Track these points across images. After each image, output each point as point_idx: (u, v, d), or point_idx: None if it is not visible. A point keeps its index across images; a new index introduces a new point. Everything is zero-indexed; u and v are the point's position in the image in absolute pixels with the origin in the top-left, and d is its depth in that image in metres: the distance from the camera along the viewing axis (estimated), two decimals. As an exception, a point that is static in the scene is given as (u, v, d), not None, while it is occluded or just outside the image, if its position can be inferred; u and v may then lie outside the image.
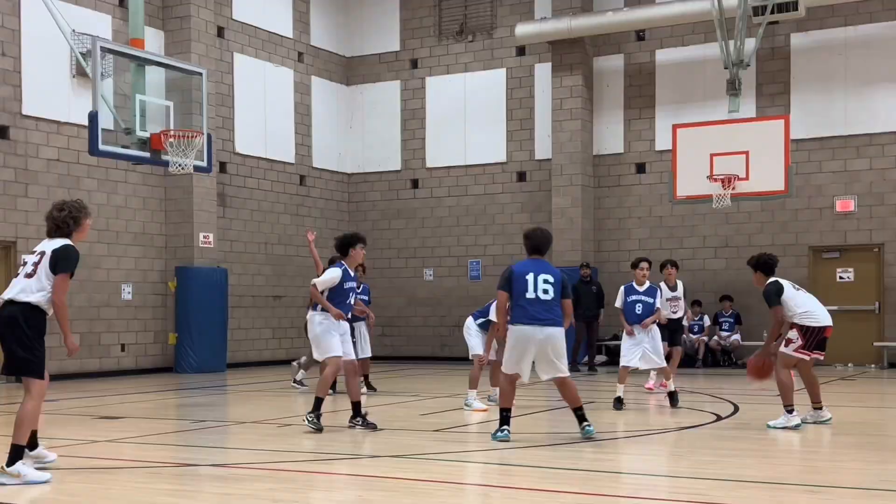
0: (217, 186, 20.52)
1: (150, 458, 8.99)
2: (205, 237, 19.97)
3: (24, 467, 7.48)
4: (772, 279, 10.45)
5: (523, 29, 21.90)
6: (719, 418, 11.44)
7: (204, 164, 14.53)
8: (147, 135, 13.73)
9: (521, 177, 22.83)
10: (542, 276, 9.29)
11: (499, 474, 7.98)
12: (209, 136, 14.58)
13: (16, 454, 7.46)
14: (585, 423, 9.51)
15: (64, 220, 7.76)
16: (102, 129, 13.16)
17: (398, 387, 16.35)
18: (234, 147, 21.34)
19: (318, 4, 23.50)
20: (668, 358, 13.68)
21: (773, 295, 10.26)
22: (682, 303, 15.42)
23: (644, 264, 13.05)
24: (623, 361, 12.64)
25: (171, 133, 13.76)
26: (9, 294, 7.56)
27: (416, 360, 23.24)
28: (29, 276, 7.57)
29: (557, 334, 9.33)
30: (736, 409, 12.18)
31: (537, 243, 9.57)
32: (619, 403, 12.34)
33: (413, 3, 23.79)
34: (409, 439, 10.10)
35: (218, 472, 8.31)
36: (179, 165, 13.89)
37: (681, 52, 21.46)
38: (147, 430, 10.71)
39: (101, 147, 13.23)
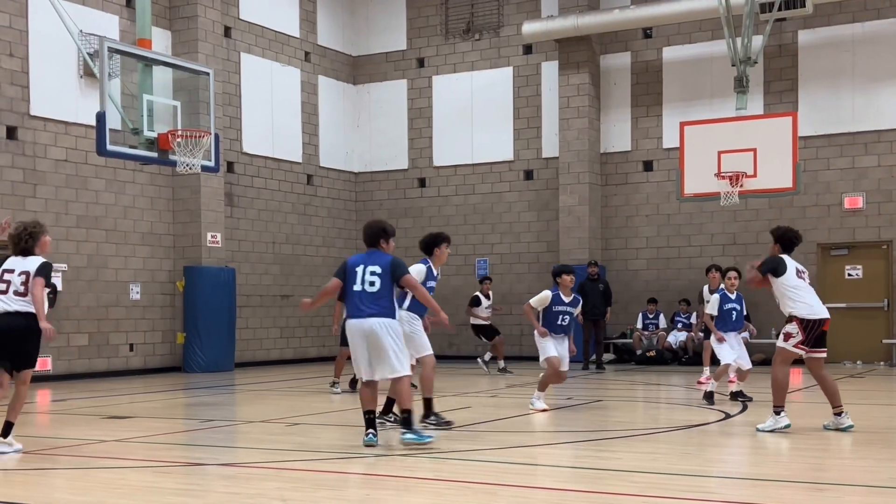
0: (224, 186, 20.55)
1: (158, 458, 9.00)
2: (212, 237, 20.00)
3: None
4: (783, 255, 10.10)
5: (530, 27, 21.89)
6: (728, 416, 11.43)
7: (211, 163, 14.54)
8: (154, 135, 13.74)
9: (529, 175, 22.82)
10: (369, 269, 9.00)
11: (507, 473, 7.97)
12: (216, 136, 14.59)
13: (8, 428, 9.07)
14: (402, 432, 8.97)
15: (23, 237, 9.31)
16: (110, 130, 13.17)
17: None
18: (242, 147, 21.36)
19: (324, 4, 23.52)
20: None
21: (771, 267, 9.95)
22: None
23: (732, 273, 13.59)
24: (725, 359, 12.91)
25: (179, 133, 13.77)
26: (13, 307, 9.07)
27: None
28: (22, 294, 9.11)
29: (381, 325, 8.86)
30: (745, 406, 12.16)
31: (368, 235, 9.28)
32: (711, 399, 12.50)
33: (419, 2, 23.79)
34: (417, 438, 10.08)
35: (226, 471, 8.32)
36: (187, 165, 13.90)
37: (688, 50, 21.43)
38: (155, 430, 10.73)
39: (109, 147, 13.24)
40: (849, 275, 20.26)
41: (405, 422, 8.98)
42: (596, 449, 9.47)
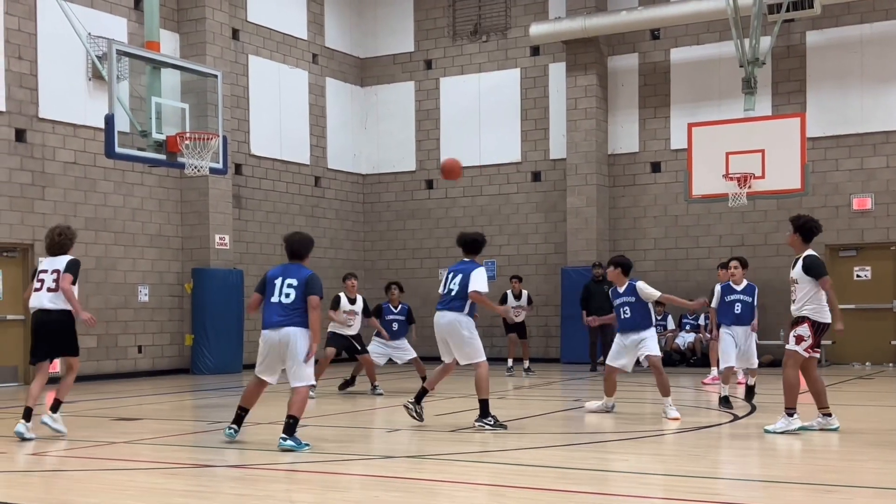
0: (233, 188, 20.59)
1: (167, 459, 9.02)
2: (220, 239, 20.04)
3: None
4: (812, 252, 9.91)
5: (537, 29, 21.89)
6: (737, 418, 11.41)
7: (219, 165, 14.55)
8: (163, 137, 13.75)
9: (536, 177, 22.82)
10: (287, 281, 9.41)
11: (514, 475, 7.97)
12: (225, 138, 14.60)
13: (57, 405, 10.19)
14: (283, 437, 9.16)
15: (55, 239, 10.31)
16: (119, 132, 13.18)
17: (413, 387, 16.32)
18: (250, 149, 21.40)
19: (332, 6, 23.55)
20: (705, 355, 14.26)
21: (822, 265, 9.76)
22: None
23: (733, 262, 12.93)
24: (725, 362, 12.25)
25: (187, 135, 13.79)
26: (48, 305, 10.02)
27: (432, 360, 23.20)
28: (54, 290, 10.02)
29: (294, 334, 9.29)
30: (753, 408, 12.14)
31: (290, 248, 9.66)
32: (726, 402, 11.98)
33: (427, 4, 23.81)
34: (425, 440, 10.11)
35: (235, 472, 8.34)
36: (195, 167, 13.91)
37: (696, 51, 21.41)
38: (164, 432, 10.75)
39: (118, 150, 13.26)
40: (857, 276, 20.21)
41: (289, 427, 9.15)
42: (604, 451, 9.46)
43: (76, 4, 17.01)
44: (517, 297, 18.89)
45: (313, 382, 9.47)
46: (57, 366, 10.72)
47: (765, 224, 20.81)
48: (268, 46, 21.88)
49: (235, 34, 21.01)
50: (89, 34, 15.55)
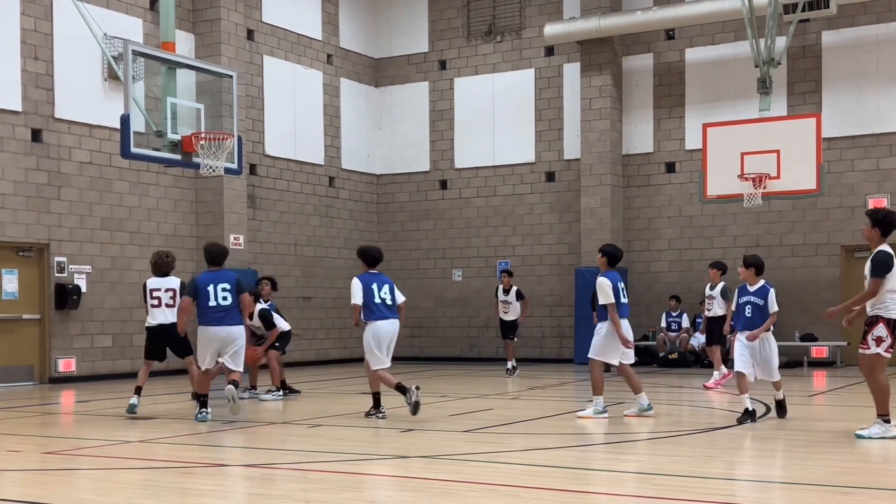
0: (247, 188, 20.64)
1: (182, 459, 9.06)
2: (235, 239, 20.09)
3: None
4: (885, 247, 9.37)
5: (552, 29, 21.88)
6: (752, 419, 11.35)
7: (234, 166, 14.60)
8: (178, 137, 13.80)
9: (550, 177, 22.80)
10: (220, 286, 11.25)
11: (528, 475, 7.97)
12: (239, 139, 14.65)
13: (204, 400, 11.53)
14: (203, 410, 11.33)
15: (162, 262, 12.30)
16: (134, 132, 13.24)
17: (427, 387, 16.33)
18: (264, 149, 21.45)
19: (346, 6, 23.59)
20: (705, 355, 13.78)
21: (884, 266, 9.17)
22: (715, 302, 15.56)
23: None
24: (738, 367, 10.88)
25: (202, 135, 13.83)
26: (171, 319, 12.00)
27: (445, 360, 23.26)
28: (171, 307, 12.05)
29: (237, 331, 11.37)
30: (768, 409, 12.09)
31: (210, 257, 11.55)
32: (751, 416, 10.80)
33: (441, 4, 23.82)
34: (439, 440, 10.12)
35: (250, 472, 8.36)
36: (210, 168, 13.96)
37: (711, 51, 21.36)
38: (179, 431, 10.79)
39: (133, 150, 13.31)
40: (873, 277, 20.09)
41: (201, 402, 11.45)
42: (618, 451, 9.45)
43: (92, 5, 17.07)
44: (506, 291, 18.53)
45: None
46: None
47: (780, 224, 20.74)
48: (282, 47, 21.93)
49: (250, 35, 21.06)
50: (105, 35, 15.61)
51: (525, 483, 7.58)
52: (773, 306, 10.97)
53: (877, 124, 19.99)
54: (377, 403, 11.57)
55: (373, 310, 11.31)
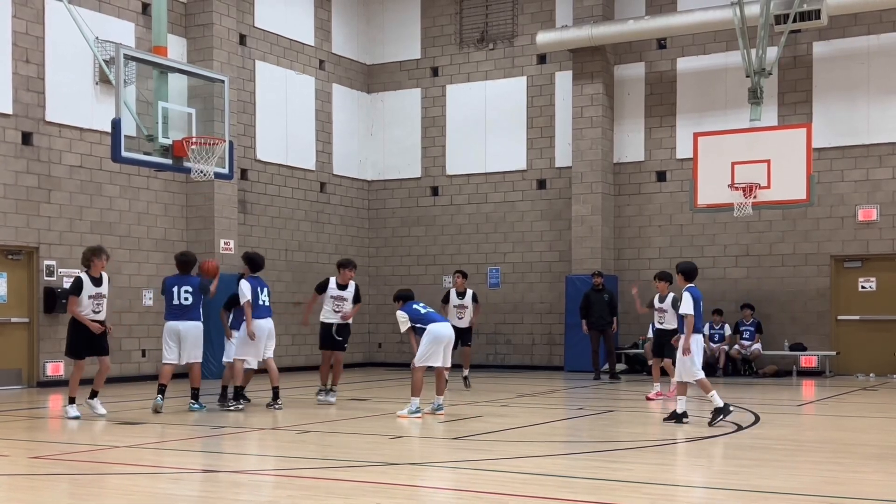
0: (238, 193, 20.62)
1: (170, 464, 9.03)
2: (225, 243, 20.06)
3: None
4: None
5: (544, 37, 21.91)
6: (740, 428, 11.39)
7: (225, 170, 14.59)
8: (169, 142, 13.79)
9: (541, 184, 22.82)
10: (183, 288, 13.06)
11: (517, 483, 7.97)
12: (231, 143, 14.64)
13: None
14: (193, 403, 13.23)
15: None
16: (125, 136, 13.22)
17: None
18: (256, 154, 21.43)
19: (339, 12, 23.60)
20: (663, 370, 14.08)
21: None
22: (667, 314, 15.15)
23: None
24: (700, 375, 11.75)
25: (193, 140, 13.82)
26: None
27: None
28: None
29: (194, 327, 13.17)
30: (757, 419, 12.11)
31: (181, 263, 13.28)
32: (724, 412, 11.41)
33: (434, 11, 23.85)
34: (427, 447, 10.11)
35: (238, 478, 8.34)
36: (201, 172, 13.94)
37: (702, 61, 21.42)
38: (167, 436, 10.76)
39: (124, 154, 13.29)
40: (862, 287, 20.18)
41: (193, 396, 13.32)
42: (608, 460, 9.46)
43: (84, 9, 17.06)
44: (460, 295, 17.14)
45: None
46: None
47: (770, 234, 20.80)
48: (275, 52, 21.93)
49: (243, 40, 21.06)
50: (97, 38, 15.60)
51: (513, 491, 7.57)
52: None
53: (867, 135, 20.06)
54: (236, 396, 13.56)
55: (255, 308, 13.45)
